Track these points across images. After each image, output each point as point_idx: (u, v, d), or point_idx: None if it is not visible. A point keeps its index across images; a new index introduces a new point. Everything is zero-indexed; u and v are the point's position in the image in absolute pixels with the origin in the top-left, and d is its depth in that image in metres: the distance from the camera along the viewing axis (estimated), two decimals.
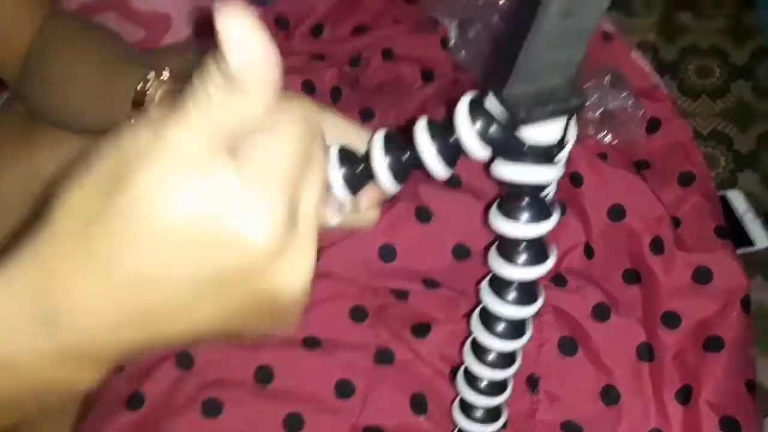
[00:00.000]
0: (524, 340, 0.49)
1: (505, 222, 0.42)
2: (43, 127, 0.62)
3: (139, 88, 0.50)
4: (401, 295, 0.68)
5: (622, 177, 0.74)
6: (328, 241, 0.67)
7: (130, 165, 0.26)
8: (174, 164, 0.25)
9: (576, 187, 0.74)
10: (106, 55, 0.58)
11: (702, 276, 0.69)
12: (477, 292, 0.51)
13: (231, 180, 0.26)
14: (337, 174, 0.40)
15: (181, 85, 0.51)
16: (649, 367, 0.64)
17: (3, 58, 0.59)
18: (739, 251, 0.72)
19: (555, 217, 0.42)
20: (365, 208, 0.42)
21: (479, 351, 0.51)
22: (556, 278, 0.69)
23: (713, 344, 0.64)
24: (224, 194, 0.26)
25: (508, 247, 0.44)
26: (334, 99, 0.78)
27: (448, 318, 0.65)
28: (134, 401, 0.62)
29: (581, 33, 0.34)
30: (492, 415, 0.55)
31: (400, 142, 0.40)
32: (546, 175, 0.39)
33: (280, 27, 0.82)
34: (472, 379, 0.53)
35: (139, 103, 0.51)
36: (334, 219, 0.39)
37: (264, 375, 0.63)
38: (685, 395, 0.63)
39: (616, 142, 0.76)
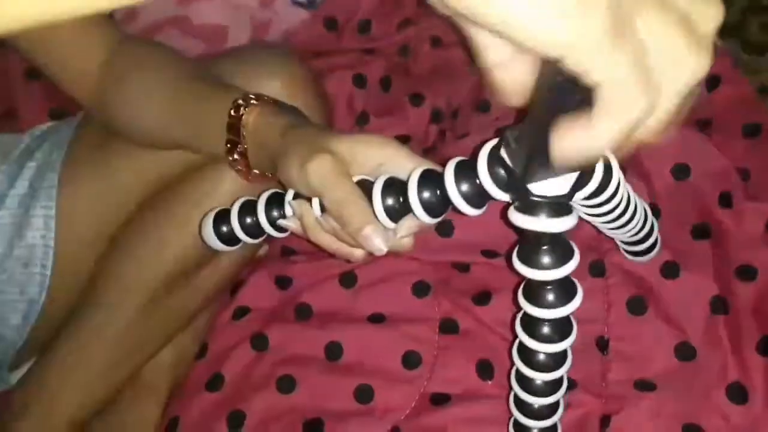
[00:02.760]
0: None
1: (524, 267, 0.42)
2: (119, 140, 0.67)
3: (233, 112, 0.54)
4: (463, 267, 0.69)
5: (684, 135, 0.72)
6: None
7: None
8: None
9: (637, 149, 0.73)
10: (179, 75, 0.62)
11: None
12: None
13: None
14: (379, 205, 0.43)
15: (267, 106, 0.55)
16: (723, 320, 0.62)
17: (78, 84, 0.65)
18: None
19: (576, 258, 0.42)
20: (401, 236, 0.45)
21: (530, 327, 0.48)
22: None
23: None
24: None
25: (533, 288, 0.44)
26: (384, 88, 0.81)
27: (509, 285, 0.65)
28: (215, 383, 0.66)
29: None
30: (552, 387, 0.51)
31: (435, 179, 0.42)
32: (555, 226, 0.39)
33: (329, 28, 0.85)
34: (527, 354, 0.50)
35: (233, 127, 0.55)
36: (382, 249, 0.43)
37: (334, 351, 0.65)
38: (766, 346, 0.60)
39: None
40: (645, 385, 0.60)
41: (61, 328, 0.68)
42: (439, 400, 0.61)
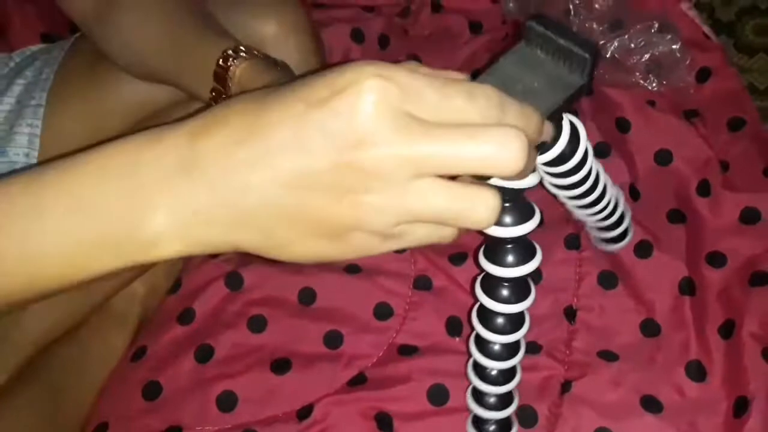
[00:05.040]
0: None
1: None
2: (110, 66, 0.66)
3: (221, 62, 0.54)
4: None
5: (669, 122, 0.74)
6: None
7: None
8: None
9: (623, 132, 0.74)
10: (176, 6, 0.62)
11: (750, 216, 0.68)
12: None
13: None
14: None
15: (256, 61, 0.54)
16: (690, 302, 0.64)
17: (76, 2, 0.64)
18: None
19: (536, 218, 0.41)
20: None
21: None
22: None
23: (759, 279, 0.63)
24: None
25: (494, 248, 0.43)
26: (382, 46, 0.81)
27: None
28: (185, 316, 0.66)
29: None
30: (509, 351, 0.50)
31: None
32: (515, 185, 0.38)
33: None
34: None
35: (220, 76, 0.54)
36: None
37: (307, 296, 0.66)
38: (728, 330, 0.62)
39: (664, 88, 0.76)
40: (608, 356, 0.62)
41: None
42: (407, 351, 0.62)
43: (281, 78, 0.52)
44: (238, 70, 0.53)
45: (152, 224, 0.30)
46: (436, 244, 0.32)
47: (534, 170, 0.38)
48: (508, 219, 0.39)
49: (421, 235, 0.31)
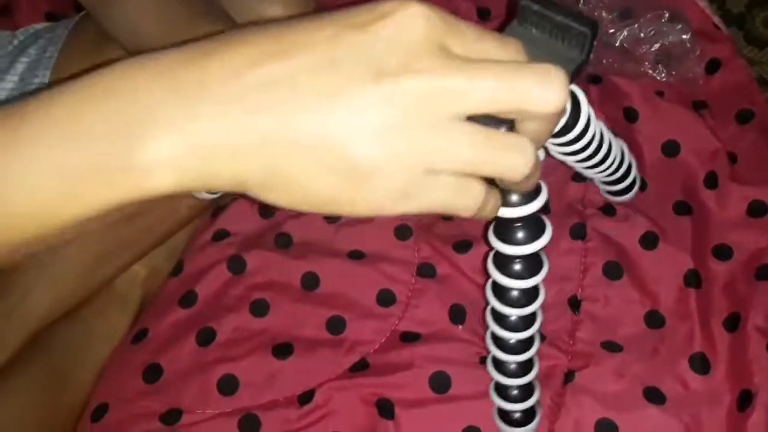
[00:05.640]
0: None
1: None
2: (115, 46, 0.66)
3: None
4: (447, 215, 0.70)
5: (678, 113, 0.73)
6: None
7: None
8: None
9: (630, 122, 0.74)
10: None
11: (757, 209, 0.67)
12: None
13: None
14: None
15: None
16: (695, 294, 0.63)
17: None
18: None
19: (544, 196, 0.40)
20: None
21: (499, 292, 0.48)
22: (605, 208, 0.69)
23: (765, 273, 0.63)
24: None
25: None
26: None
27: None
28: (187, 299, 0.66)
29: None
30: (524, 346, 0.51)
31: None
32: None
33: None
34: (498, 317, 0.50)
35: None
36: None
37: (310, 281, 0.65)
38: (733, 323, 0.61)
39: (673, 79, 0.75)
40: (612, 346, 0.61)
41: None
42: (409, 338, 0.62)
43: None
44: None
45: (147, 151, 0.27)
46: (454, 213, 0.30)
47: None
48: (515, 198, 0.39)
49: (444, 194, 0.28)
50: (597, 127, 0.47)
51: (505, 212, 0.38)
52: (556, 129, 0.41)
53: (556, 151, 0.48)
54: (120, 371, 0.64)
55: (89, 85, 0.28)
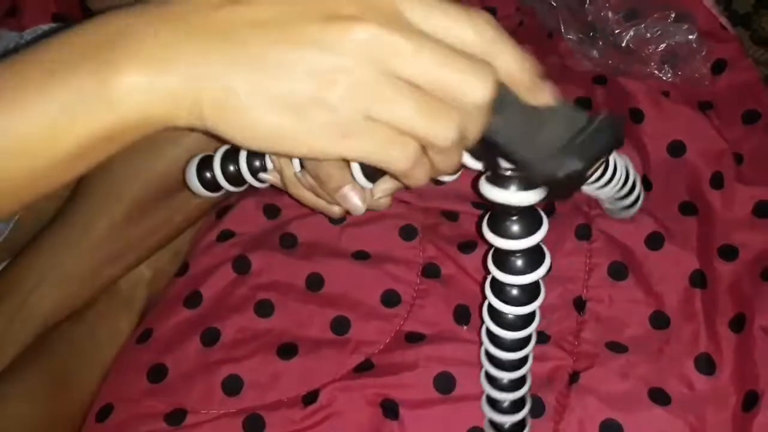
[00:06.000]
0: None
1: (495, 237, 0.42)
2: None
3: None
4: (452, 216, 0.70)
5: (683, 113, 0.73)
6: None
7: None
8: None
9: (636, 123, 0.74)
10: None
11: (763, 209, 0.67)
12: None
13: None
14: (357, 165, 0.42)
15: None
16: (701, 294, 0.63)
17: None
18: None
19: (545, 227, 0.41)
20: (378, 197, 0.46)
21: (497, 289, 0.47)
22: None
23: None
24: None
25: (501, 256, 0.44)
26: None
27: None
28: (192, 300, 0.66)
29: None
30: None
31: None
32: (526, 198, 0.38)
33: None
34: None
35: None
36: (360, 207, 0.44)
37: (315, 282, 0.65)
38: (739, 324, 0.61)
39: (679, 79, 0.75)
40: (616, 347, 0.61)
41: (39, 230, 0.67)
42: (414, 338, 0.62)
43: None
44: None
45: (118, 80, 0.29)
46: (387, 166, 0.32)
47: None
48: (516, 229, 0.39)
49: (380, 142, 0.30)
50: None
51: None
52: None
53: None
54: (125, 371, 0.64)
55: (68, 31, 0.31)
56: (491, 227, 0.41)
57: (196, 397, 0.60)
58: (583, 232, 0.67)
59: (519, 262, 0.42)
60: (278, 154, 0.33)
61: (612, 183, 0.54)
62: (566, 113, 0.34)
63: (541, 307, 0.47)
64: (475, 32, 0.31)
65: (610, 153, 0.35)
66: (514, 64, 0.32)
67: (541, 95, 0.34)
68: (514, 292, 0.44)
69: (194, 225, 0.73)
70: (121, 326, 0.70)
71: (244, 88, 0.29)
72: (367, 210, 0.45)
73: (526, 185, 0.38)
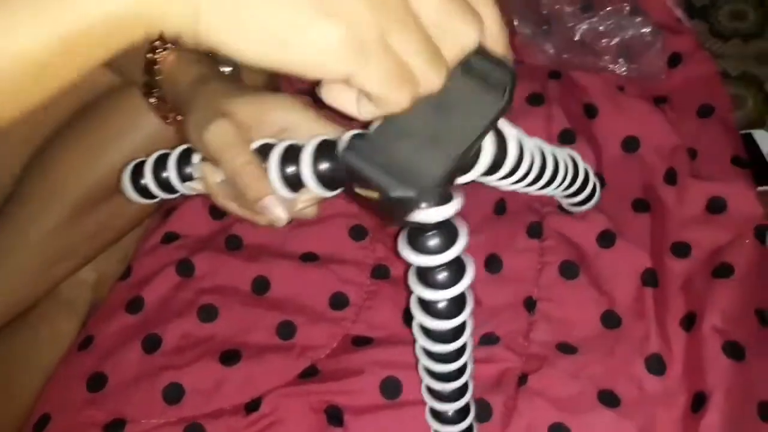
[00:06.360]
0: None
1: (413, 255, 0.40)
2: None
3: (148, 54, 0.51)
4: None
5: (638, 108, 0.72)
6: None
7: None
8: None
9: (590, 118, 0.72)
10: None
11: (716, 206, 0.66)
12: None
13: None
14: (276, 173, 0.41)
15: (185, 50, 0.51)
16: (653, 293, 0.62)
17: None
18: (761, 189, 0.68)
19: (464, 238, 0.39)
20: (301, 208, 0.43)
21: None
22: (563, 206, 0.67)
23: (723, 271, 0.62)
24: None
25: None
26: None
27: None
28: (134, 305, 0.64)
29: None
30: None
31: (332, 151, 0.39)
32: (438, 214, 0.36)
33: None
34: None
35: (150, 69, 0.51)
36: (282, 218, 0.42)
37: (260, 285, 0.64)
38: (689, 322, 0.60)
39: (634, 73, 0.74)
40: (566, 348, 0.60)
41: None
42: (361, 342, 0.60)
43: (205, 72, 0.49)
44: (167, 62, 0.50)
45: None
46: (385, 100, 0.29)
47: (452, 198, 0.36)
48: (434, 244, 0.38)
49: (387, 70, 0.28)
50: (534, 150, 0.45)
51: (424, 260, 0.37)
52: (485, 167, 0.39)
53: (498, 184, 0.46)
54: (64, 380, 0.62)
55: None
56: (410, 244, 0.39)
57: (136, 406, 0.58)
58: (535, 230, 0.66)
59: (441, 276, 0.40)
60: (277, 70, 0.28)
61: (557, 180, 0.52)
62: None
63: (474, 312, 0.45)
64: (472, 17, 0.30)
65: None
66: (495, 26, 0.32)
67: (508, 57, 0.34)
68: (441, 306, 0.42)
69: (140, 225, 0.71)
70: (64, 329, 0.68)
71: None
72: (293, 219, 0.43)
73: (437, 201, 0.36)
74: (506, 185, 0.47)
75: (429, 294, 0.41)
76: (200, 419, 0.57)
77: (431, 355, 0.46)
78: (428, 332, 0.44)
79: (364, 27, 0.27)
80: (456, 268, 0.40)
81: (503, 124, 0.41)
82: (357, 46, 0.27)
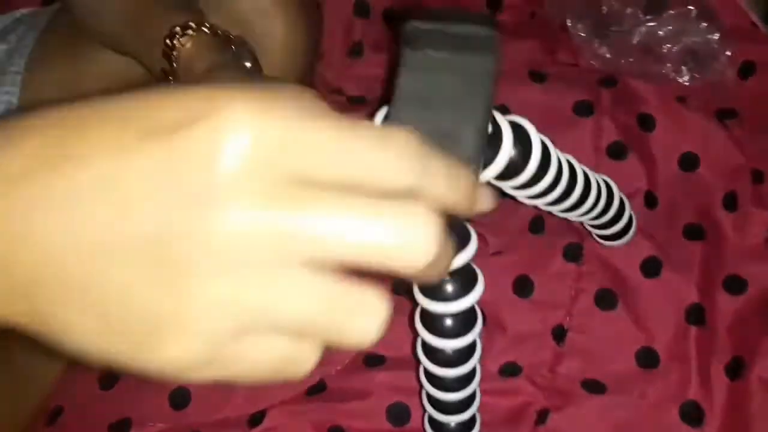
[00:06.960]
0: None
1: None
2: (89, 40, 0.63)
3: (168, 41, 0.49)
4: None
5: (699, 122, 0.66)
6: None
7: None
8: None
9: (646, 131, 0.66)
10: None
11: None
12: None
13: None
14: None
15: (202, 37, 0.49)
16: (696, 332, 0.56)
17: None
18: None
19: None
20: None
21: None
22: None
23: None
24: None
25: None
26: (388, 22, 0.75)
27: None
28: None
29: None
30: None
31: None
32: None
33: None
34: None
35: (166, 55, 0.50)
36: None
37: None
38: (736, 369, 0.54)
39: (699, 83, 0.67)
40: (594, 386, 0.55)
41: None
42: (373, 361, 0.58)
43: (221, 59, 0.47)
44: (185, 48, 0.49)
45: None
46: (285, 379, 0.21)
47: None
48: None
49: (267, 359, 0.20)
50: (562, 163, 0.40)
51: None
52: (501, 170, 0.35)
53: (516, 195, 0.42)
54: (77, 376, 0.62)
55: None
56: (423, 289, 0.37)
57: (142, 409, 0.58)
58: (573, 253, 0.61)
59: (450, 323, 0.38)
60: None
61: (585, 206, 0.47)
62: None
63: (496, 337, 0.42)
64: (396, 169, 0.20)
65: None
66: (449, 190, 0.22)
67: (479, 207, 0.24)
68: (448, 352, 0.39)
69: None
70: None
71: (63, 314, 0.20)
72: None
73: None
74: (528, 198, 0.42)
75: (436, 341, 0.38)
76: (201, 428, 0.56)
77: (435, 403, 0.43)
78: (432, 378, 0.42)
79: (207, 334, 0.19)
80: (463, 317, 0.37)
81: (526, 124, 0.36)
82: (204, 357, 0.20)
